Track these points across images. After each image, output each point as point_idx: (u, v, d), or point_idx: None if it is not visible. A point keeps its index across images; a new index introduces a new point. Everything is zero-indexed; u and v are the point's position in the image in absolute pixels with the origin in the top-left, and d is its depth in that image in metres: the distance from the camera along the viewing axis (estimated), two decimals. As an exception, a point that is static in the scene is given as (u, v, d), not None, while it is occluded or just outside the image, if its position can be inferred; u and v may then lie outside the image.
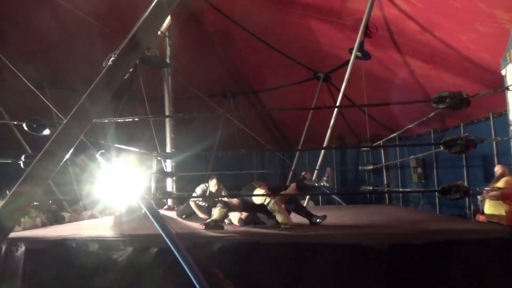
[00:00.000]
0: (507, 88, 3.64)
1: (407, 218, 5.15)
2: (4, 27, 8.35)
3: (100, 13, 8.10)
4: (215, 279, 2.65)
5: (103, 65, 2.05)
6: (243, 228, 4.41)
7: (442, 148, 3.40)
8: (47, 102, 4.85)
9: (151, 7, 2.12)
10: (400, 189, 11.28)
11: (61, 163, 1.87)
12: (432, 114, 6.96)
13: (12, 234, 4.10)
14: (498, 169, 5.68)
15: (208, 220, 4.26)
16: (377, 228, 4.09)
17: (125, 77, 2.08)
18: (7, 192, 2.17)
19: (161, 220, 2.53)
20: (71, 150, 1.91)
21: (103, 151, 2.44)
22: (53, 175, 1.85)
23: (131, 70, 2.09)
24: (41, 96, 4.91)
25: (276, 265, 3.06)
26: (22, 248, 3.46)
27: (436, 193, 3.40)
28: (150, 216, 2.61)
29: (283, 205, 4.50)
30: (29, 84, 5.14)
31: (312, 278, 3.00)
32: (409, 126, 8.68)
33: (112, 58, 1.99)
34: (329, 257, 3.07)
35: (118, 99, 11.76)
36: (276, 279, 3.02)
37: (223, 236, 3.56)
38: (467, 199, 8.80)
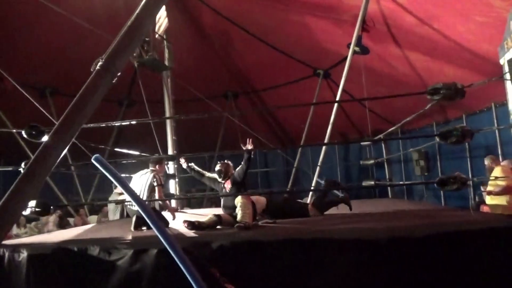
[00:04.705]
0: (502, 77, 3.61)
1: (408, 211, 5.14)
2: (5, 37, 8.44)
3: (100, 20, 8.18)
4: (212, 277, 2.68)
5: (91, 70, 2.07)
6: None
7: (438, 139, 3.38)
8: (41, 109, 4.89)
9: (137, 11, 2.13)
10: (399, 182, 11.30)
11: (52, 169, 1.90)
12: (428, 106, 6.94)
13: (14, 241, 4.18)
14: (486, 161, 5.70)
15: (194, 220, 4.27)
16: (376, 222, 4.09)
17: (114, 81, 2.11)
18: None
19: (157, 221, 2.54)
20: (62, 155, 1.94)
21: (97, 155, 2.44)
22: (44, 180, 1.88)
23: (119, 74, 2.11)
24: (36, 104, 4.95)
25: (275, 262, 3.06)
26: (24, 254, 3.49)
27: (435, 185, 3.37)
28: (146, 218, 2.63)
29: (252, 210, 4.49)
30: (24, 93, 5.19)
31: (311, 274, 3.00)
32: (407, 119, 8.68)
33: (100, 63, 2.01)
34: (329, 252, 3.07)
35: (119, 103, 11.88)
36: (275, 276, 3.02)
37: (222, 235, 3.58)
38: (472, 190, 8.77)
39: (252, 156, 4.76)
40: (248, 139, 4.74)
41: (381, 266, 3.01)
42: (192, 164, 5.35)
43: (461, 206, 8.33)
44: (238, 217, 4.28)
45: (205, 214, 4.99)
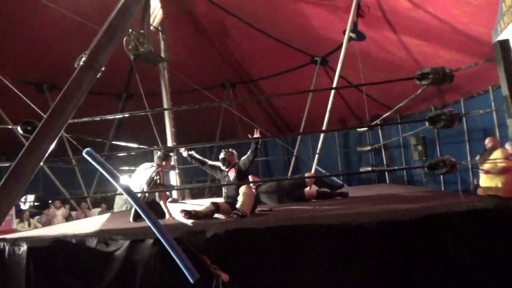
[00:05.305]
0: (489, 60, 3.61)
1: (401, 195, 5.18)
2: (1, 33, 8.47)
3: (91, 13, 8.17)
4: (202, 264, 2.75)
5: (75, 66, 2.12)
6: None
7: (427, 124, 3.41)
8: (32, 105, 4.94)
9: (117, 7, 2.16)
10: (390, 168, 11.45)
11: (41, 163, 1.96)
12: (419, 91, 6.98)
13: (14, 235, 4.28)
14: (488, 141, 5.69)
15: (191, 209, 4.32)
16: (368, 207, 4.14)
17: (98, 76, 2.15)
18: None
19: (148, 212, 2.62)
20: (51, 148, 1.99)
21: (89, 149, 2.50)
22: (33, 173, 1.94)
23: (103, 69, 2.15)
24: (27, 100, 5.00)
25: (267, 249, 3.13)
26: (24, 247, 3.58)
27: (425, 168, 3.41)
28: (138, 209, 2.70)
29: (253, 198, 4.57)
30: (14, 89, 5.21)
31: (302, 260, 3.06)
32: (400, 104, 8.75)
33: (83, 59, 2.05)
34: (319, 238, 3.12)
35: (118, 97, 11.95)
36: (267, 263, 3.09)
37: (216, 224, 3.65)
38: (470, 174, 8.82)
39: (259, 146, 4.80)
40: (255, 129, 4.78)
41: (371, 250, 3.07)
42: (193, 152, 5.35)
43: (462, 190, 8.39)
44: (238, 205, 4.31)
45: (204, 204, 5.06)
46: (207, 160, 5.36)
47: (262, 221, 3.69)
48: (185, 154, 5.34)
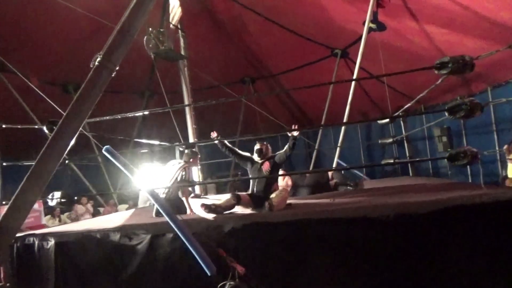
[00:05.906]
0: (510, 46, 3.47)
1: (421, 188, 5.08)
2: (26, 33, 8.74)
3: (115, 14, 8.33)
4: (218, 257, 2.80)
5: (91, 66, 2.19)
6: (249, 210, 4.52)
7: (447, 114, 3.33)
8: (53, 104, 5.11)
9: (130, 7, 2.22)
10: (411, 160, 11.37)
11: (61, 160, 2.05)
12: (439, 81, 6.79)
13: (43, 230, 4.46)
14: None
15: (210, 203, 4.33)
16: (386, 199, 4.09)
17: (113, 75, 2.21)
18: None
19: (167, 208, 2.70)
20: (69, 146, 2.08)
21: (108, 146, 2.58)
22: (54, 171, 2.02)
23: (117, 68, 2.21)
24: (49, 100, 5.17)
25: (284, 242, 3.15)
26: (51, 242, 3.75)
27: (446, 160, 3.32)
28: (156, 205, 2.78)
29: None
30: (37, 90, 5.41)
31: (319, 253, 3.07)
32: (421, 94, 8.56)
33: (98, 59, 2.12)
34: (336, 232, 3.11)
35: (141, 95, 12.18)
36: (284, 256, 3.12)
37: (233, 218, 3.70)
38: (499, 165, 8.54)
39: (296, 141, 4.83)
40: (294, 125, 4.84)
41: (388, 243, 3.05)
42: (224, 140, 5.37)
43: (489, 183, 8.13)
44: (272, 195, 4.41)
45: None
46: (237, 150, 5.37)
47: (280, 215, 3.71)
48: (216, 141, 5.38)
